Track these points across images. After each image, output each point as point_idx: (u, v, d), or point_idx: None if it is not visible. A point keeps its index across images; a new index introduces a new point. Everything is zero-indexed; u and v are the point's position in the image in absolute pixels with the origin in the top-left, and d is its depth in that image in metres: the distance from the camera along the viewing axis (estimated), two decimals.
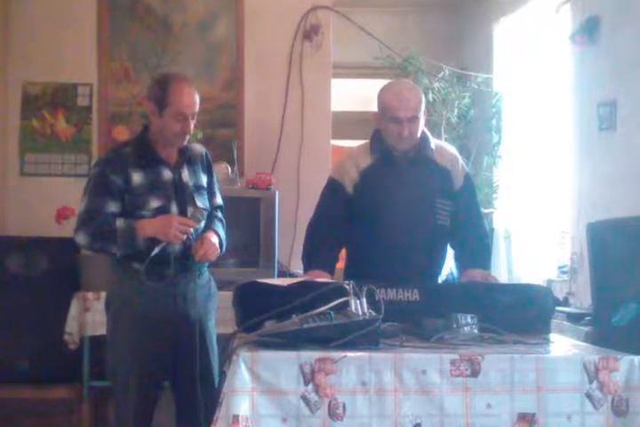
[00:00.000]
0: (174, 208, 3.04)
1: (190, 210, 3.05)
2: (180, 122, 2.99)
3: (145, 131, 3.12)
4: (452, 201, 3.15)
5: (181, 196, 3.07)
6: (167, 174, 3.06)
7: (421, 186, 3.12)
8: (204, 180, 3.18)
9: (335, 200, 3.19)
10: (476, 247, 3.18)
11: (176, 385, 3.16)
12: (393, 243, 3.07)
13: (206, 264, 3.17)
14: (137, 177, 3.01)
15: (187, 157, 3.12)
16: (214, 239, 3.09)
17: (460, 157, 3.28)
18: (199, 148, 3.22)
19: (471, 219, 3.21)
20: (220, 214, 3.27)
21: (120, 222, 2.95)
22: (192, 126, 3.04)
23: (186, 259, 3.04)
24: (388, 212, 3.09)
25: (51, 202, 4.50)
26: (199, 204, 3.09)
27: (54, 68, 4.80)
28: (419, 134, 3.09)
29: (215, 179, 3.28)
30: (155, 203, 3.01)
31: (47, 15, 4.80)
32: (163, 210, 3.01)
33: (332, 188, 3.21)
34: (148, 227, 2.95)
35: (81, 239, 3.00)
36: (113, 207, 2.99)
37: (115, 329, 3.10)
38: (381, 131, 3.13)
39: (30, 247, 4.36)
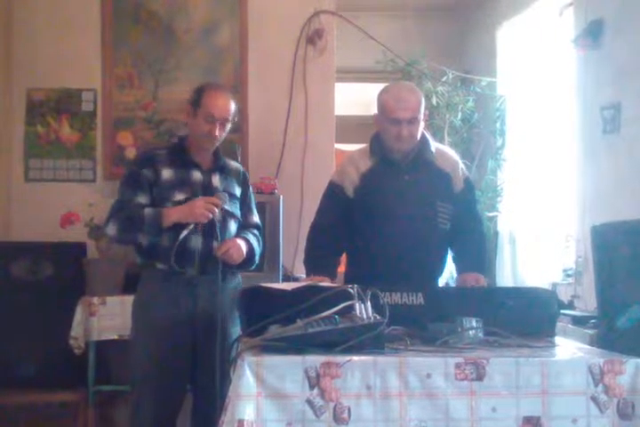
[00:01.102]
0: None
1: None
2: (209, 124, 3.10)
3: (181, 138, 3.26)
4: (451, 205, 3.15)
5: (208, 196, 3.11)
6: (197, 175, 3.17)
7: (422, 189, 3.12)
8: (237, 190, 3.26)
9: (336, 203, 3.19)
10: (473, 251, 3.18)
11: (195, 388, 3.18)
12: (394, 246, 3.07)
13: (233, 268, 3.19)
14: (167, 173, 3.14)
15: (220, 164, 3.22)
16: (240, 242, 3.14)
17: (460, 161, 3.28)
18: (237, 165, 3.35)
19: (469, 223, 3.22)
20: (256, 232, 3.32)
21: (147, 210, 3.05)
22: (221, 131, 3.13)
23: (208, 257, 3.07)
24: (388, 215, 3.09)
25: (55, 207, 4.51)
26: (226, 207, 3.13)
27: (58, 74, 4.81)
28: (418, 136, 3.09)
29: (253, 197, 3.37)
30: (180, 196, 3.10)
31: (50, 21, 4.81)
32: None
33: (333, 191, 3.21)
34: (173, 212, 3.04)
35: (110, 230, 3.09)
36: (142, 199, 3.11)
37: (136, 332, 3.16)
38: (381, 132, 3.13)
39: (35, 252, 4.37)
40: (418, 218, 3.10)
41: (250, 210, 3.33)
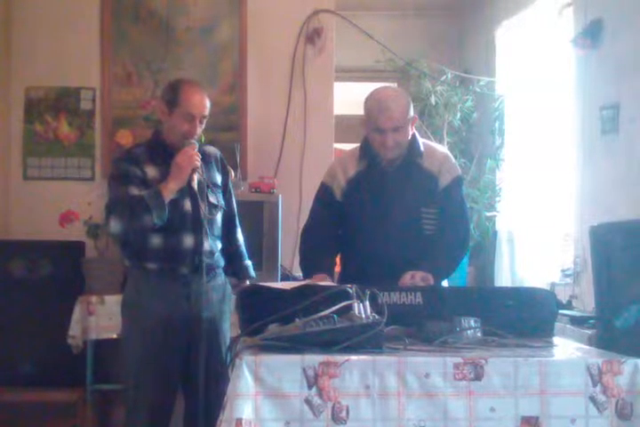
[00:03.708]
0: (187, 203, 3.08)
1: (203, 206, 3.08)
2: (188, 122, 3.06)
3: (156, 134, 3.20)
4: (436, 209, 3.07)
5: (194, 191, 3.09)
6: None
7: (406, 196, 3.06)
8: (218, 179, 3.23)
9: (327, 205, 3.17)
10: (441, 251, 3.03)
11: (187, 386, 3.17)
12: (379, 252, 3.03)
13: (221, 265, 3.19)
14: (151, 171, 3.09)
15: (199, 153, 3.15)
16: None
17: (451, 157, 3.19)
18: (213, 149, 3.28)
19: (449, 222, 3.07)
20: (239, 233, 3.38)
21: (144, 192, 2.99)
22: (199, 128, 3.11)
23: (200, 255, 3.06)
24: (374, 220, 3.05)
25: (54, 206, 4.51)
26: (212, 200, 3.13)
27: (57, 72, 4.81)
28: (406, 142, 3.03)
29: (230, 182, 3.36)
30: None
31: (49, 19, 4.81)
32: (176, 203, 3.04)
33: (324, 193, 3.19)
34: (168, 183, 2.99)
35: (114, 227, 2.99)
36: (135, 192, 3.02)
37: (129, 332, 3.13)
38: (368, 137, 3.10)
39: (34, 251, 4.37)
40: (402, 225, 3.04)
41: (231, 196, 3.32)
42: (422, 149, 3.11)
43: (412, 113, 3.03)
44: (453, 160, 3.21)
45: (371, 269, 3.02)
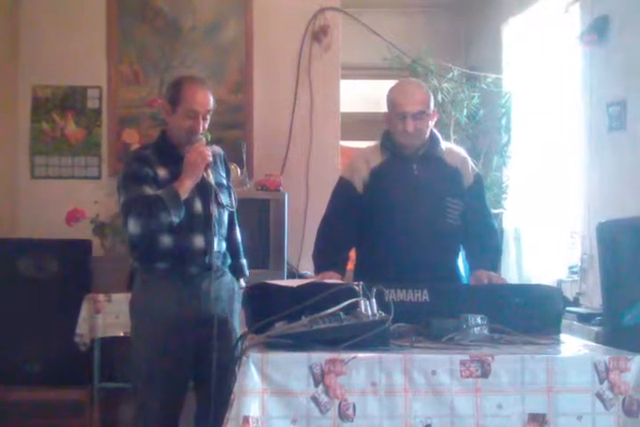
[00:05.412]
0: (198, 204, 3.08)
1: (213, 207, 3.07)
2: (190, 119, 3.04)
3: (162, 134, 3.17)
4: (461, 201, 3.16)
5: (204, 192, 3.08)
6: None
7: (431, 185, 3.13)
8: (223, 178, 3.22)
9: (345, 200, 3.20)
10: (485, 248, 3.18)
11: (199, 384, 3.16)
12: (403, 241, 3.07)
13: (228, 263, 3.21)
14: (162, 172, 3.06)
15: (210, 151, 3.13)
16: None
17: (469, 159, 3.28)
18: (218, 149, 3.27)
19: (480, 219, 3.21)
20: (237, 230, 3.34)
21: (160, 191, 2.97)
22: (203, 125, 3.08)
23: (209, 254, 3.06)
24: (398, 210, 3.09)
25: (61, 204, 4.53)
26: (221, 200, 3.12)
27: (64, 71, 4.82)
28: (427, 132, 3.10)
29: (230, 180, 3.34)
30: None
31: (56, 18, 4.83)
32: (187, 203, 3.02)
33: (343, 187, 3.22)
34: (182, 181, 2.98)
35: (133, 227, 2.95)
36: (150, 191, 2.99)
37: (139, 331, 3.12)
38: (390, 129, 3.14)
39: (41, 249, 4.38)
40: (427, 214, 3.10)
41: (232, 190, 3.28)
42: (443, 146, 3.20)
43: (432, 105, 3.11)
44: (471, 161, 3.30)
45: (393, 258, 3.07)
